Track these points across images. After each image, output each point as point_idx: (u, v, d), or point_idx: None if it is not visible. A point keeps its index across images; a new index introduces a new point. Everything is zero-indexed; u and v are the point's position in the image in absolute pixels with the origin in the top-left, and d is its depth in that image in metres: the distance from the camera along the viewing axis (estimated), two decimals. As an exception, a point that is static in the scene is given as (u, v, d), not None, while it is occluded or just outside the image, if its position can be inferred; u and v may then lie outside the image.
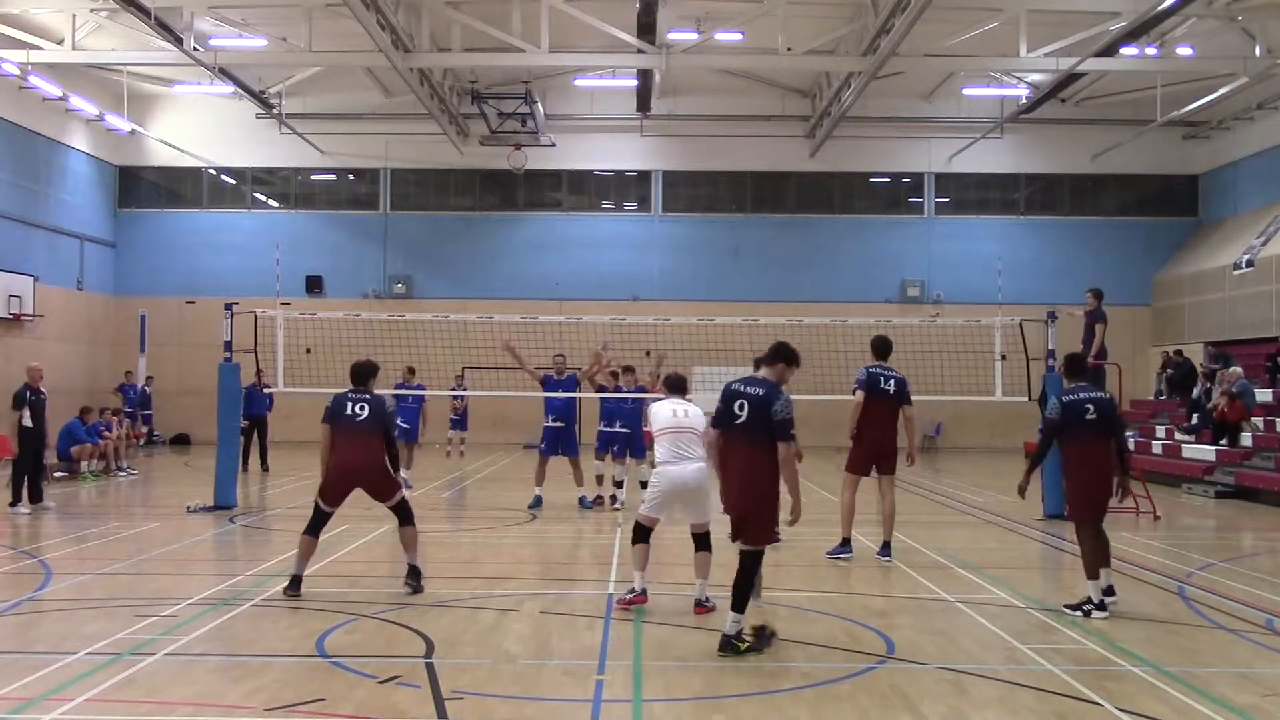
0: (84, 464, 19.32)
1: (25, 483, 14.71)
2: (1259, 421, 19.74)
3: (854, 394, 11.02)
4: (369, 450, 9.10)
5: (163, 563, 10.91)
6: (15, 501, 14.60)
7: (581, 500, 15.24)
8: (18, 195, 26.46)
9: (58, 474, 18.95)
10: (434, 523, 14.06)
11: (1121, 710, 6.04)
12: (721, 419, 7.53)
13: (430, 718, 5.89)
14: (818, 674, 6.83)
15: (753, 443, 7.38)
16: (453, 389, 23.13)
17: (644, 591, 8.68)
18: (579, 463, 15.45)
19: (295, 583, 8.97)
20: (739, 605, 7.25)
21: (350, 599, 8.93)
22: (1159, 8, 20.01)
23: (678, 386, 9.21)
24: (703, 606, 8.39)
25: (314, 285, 30.49)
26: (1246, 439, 19.51)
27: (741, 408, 7.43)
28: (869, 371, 11.06)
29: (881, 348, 11.28)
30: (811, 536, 11.59)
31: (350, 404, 9.22)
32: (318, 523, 9.18)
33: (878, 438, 10.95)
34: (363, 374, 9.57)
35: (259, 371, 17.17)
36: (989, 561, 11.06)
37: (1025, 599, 9.19)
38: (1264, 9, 22.29)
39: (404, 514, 9.39)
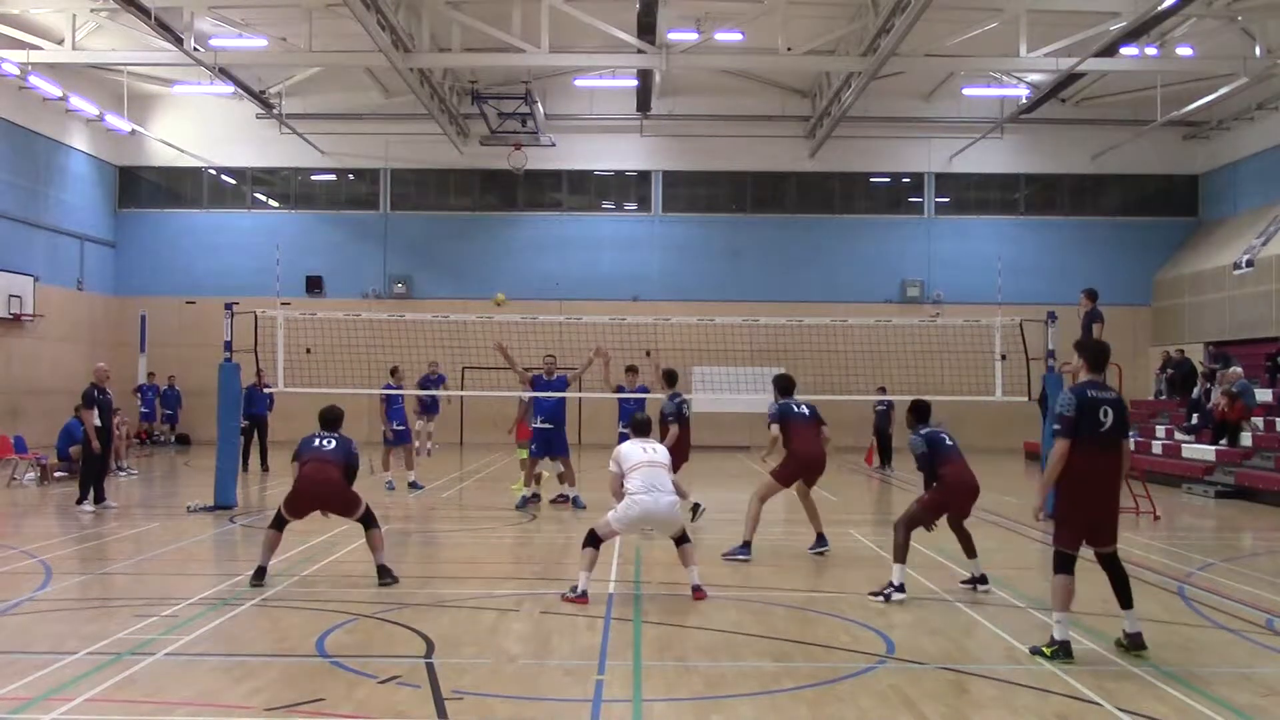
0: (82, 464, 19.27)
1: (105, 480, 14.93)
2: (1259, 421, 19.74)
3: (770, 428, 11.36)
4: (329, 471, 9.67)
5: (163, 563, 10.90)
6: (83, 499, 14.75)
7: (575, 501, 15.21)
8: (18, 195, 26.46)
9: (58, 474, 18.96)
10: (434, 523, 14.06)
11: (1121, 710, 6.04)
12: (1079, 427, 7.35)
13: (430, 718, 5.88)
14: (818, 674, 6.82)
15: (1116, 447, 7.50)
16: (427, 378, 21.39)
17: (585, 594, 8.83)
18: (569, 463, 15.44)
19: (260, 573, 9.46)
20: (1130, 602, 7.45)
21: (350, 599, 8.92)
22: (1159, 8, 20.02)
23: (643, 427, 9.69)
24: (700, 592, 9.06)
25: (314, 285, 30.50)
26: (1246, 439, 19.51)
27: (1105, 414, 7.43)
28: (780, 405, 11.52)
29: (786, 386, 11.77)
30: (814, 537, 11.58)
31: (318, 439, 9.93)
32: (281, 522, 9.79)
33: (815, 451, 11.33)
34: (331, 420, 10.16)
35: (259, 372, 17.15)
36: (989, 561, 11.03)
37: (1025, 599, 9.19)
38: (1264, 9, 22.29)
39: (368, 521, 9.81)
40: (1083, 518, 7.44)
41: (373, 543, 9.72)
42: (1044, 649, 7.18)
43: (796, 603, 8.98)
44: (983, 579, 9.49)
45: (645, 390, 15.33)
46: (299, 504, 9.79)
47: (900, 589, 9.03)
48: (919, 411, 9.91)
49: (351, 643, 7.48)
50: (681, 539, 9.26)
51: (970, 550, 9.57)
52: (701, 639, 7.80)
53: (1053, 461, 7.44)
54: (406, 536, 12.82)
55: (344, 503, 9.78)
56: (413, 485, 17.48)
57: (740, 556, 10.90)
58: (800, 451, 11.13)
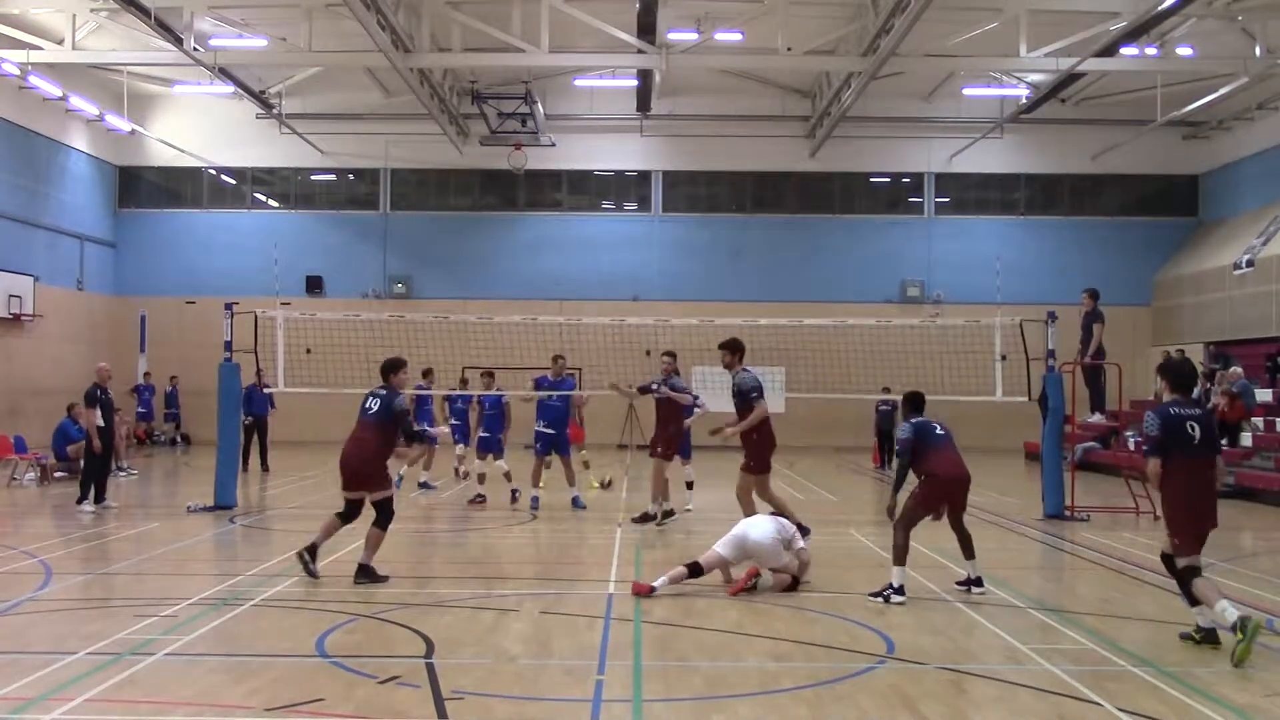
0: (81, 462, 19.26)
1: (107, 480, 15.00)
2: (1259, 421, 19.75)
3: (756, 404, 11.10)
4: (361, 441, 9.72)
5: (163, 563, 10.91)
6: (83, 499, 14.77)
7: (575, 500, 15.20)
8: (18, 195, 26.46)
9: (58, 474, 18.97)
10: (434, 523, 14.07)
11: (1121, 710, 6.04)
12: (1168, 444, 7.68)
13: (430, 718, 5.88)
14: (818, 674, 6.83)
15: (1208, 459, 7.76)
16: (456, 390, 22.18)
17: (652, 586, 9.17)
18: (570, 463, 15.48)
19: (311, 549, 9.62)
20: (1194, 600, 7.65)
21: (350, 599, 8.93)
22: (1159, 8, 20.01)
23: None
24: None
25: (314, 285, 30.50)
26: (1246, 439, 19.52)
27: (1193, 429, 7.73)
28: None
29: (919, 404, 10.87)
30: (814, 537, 11.57)
31: (367, 399, 9.94)
32: (346, 511, 9.88)
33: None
34: (384, 369, 10.11)
35: (259, 371, 17.15)
36: (989, 561, 11.03)
37: (1025, 599, 9.19)
38: (1264, 9, 22.27)
39: (381, 514, 9.74)
40: (1196, 529, 7.71)
41: (368, 538, 9.69)
42: (1239, 631, 7.11)
43: (796, 603, 8.98)
44: (978, 581, 9.43)
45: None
46: (342, 478, 9.85)
47: (899, 591, 8.99)
48: (914, 403, 9.95)
49: (351, 643, 7.48)
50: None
51: (969, 551, 9.53)
52: (701, 639, 7.81)
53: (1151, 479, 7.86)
54: (407, 536, 12.81)
55: (366, 476, 9.71)
56: (424, 485, 17.59)
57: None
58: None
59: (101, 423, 14.92)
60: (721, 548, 9.45)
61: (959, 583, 9.57)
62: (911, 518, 9.36)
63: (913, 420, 9.68)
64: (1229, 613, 7.21)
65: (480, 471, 16.00)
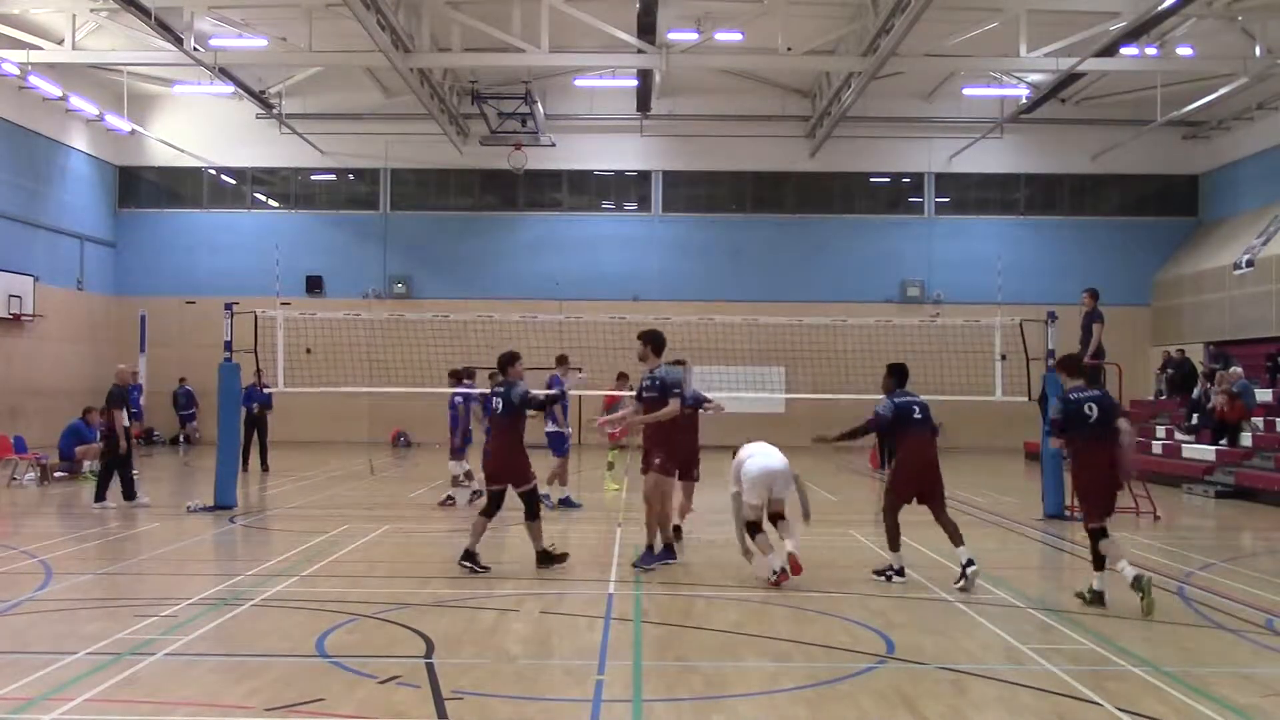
0: (85, 463, 19.32)
1: (114, 480, 15.11)
2: (1259, 421, 19.74)
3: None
4: (497, 438, 10.31)
5: (163, 563, 10.91)
6: (101, 498, 14.98)
7: (565, 501, 15.20)
8: (18, 195, 26.46)
9: (58, 474, 18.97)
10: (434, 523, 14.06)
11: (1121, 710, 6.04)
12: (1070, 426, 8.93)
13: (430, 718, 5.88)
14: (818, 674, 6.83)
15: (1108, 435, 8.94)
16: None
17: (784, 570, 9.48)
18: (565, 464, 15.49)
19: (467, 555, 10.06)
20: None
21: (350, 599, 8.92)
22: (1159, 8, 20.01)
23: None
24: (795, 560, 9.51)
25: (314, 285, 30.51)
26: (1246, 439, 19.51)
27: (1091, 409, 8.90)
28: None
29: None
30: (813, 537, 11.57)
31: (490, 399, 10.47)
32: (489, 505, 10.23)
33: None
34: (500, 363, 10.56)
35: (258, 371, 17.16)
36: (989, 561, 11.04)
37: (1025, 599, 9.19)
38: (1264, 9, 22.28)
39: (529, 506, 10.21)
40: (1101, 495, 8.90)
41: (531, 531, 10.23)
42: (1139, 588, 8.42)
43: (796, 603, 8.97)
44: (969, 562, 9.48)
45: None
46: (485, 473, 10.38)
47: (900, 572, 9.55)
48: (898, 374, 10.11)
49: (351, 643, 7.48)
50: (780, 515, 9.79)
51: (956, 539, 9.63)
52: (701, 639, 7.81)
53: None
54: (407, 536, 12.82)
55: (508, 472, 10.11)
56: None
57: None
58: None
59: (126, 423, 15.13)
60: (751, 495, 9.70)
61: (956, 581, 9.55)
62: (892, 505, 9.78)
63: (895, 400, 9.88)
64: (1127, 571, 8.51)
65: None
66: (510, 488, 10.16)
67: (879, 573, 9.75)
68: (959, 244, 30.62)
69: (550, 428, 15.19)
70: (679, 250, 30.99)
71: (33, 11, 23.68)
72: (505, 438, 10.22)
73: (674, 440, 10.50)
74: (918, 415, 9.79)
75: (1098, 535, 8.80)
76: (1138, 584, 8.40)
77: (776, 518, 9.86)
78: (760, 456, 9.82)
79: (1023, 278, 26.96)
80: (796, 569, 9.47)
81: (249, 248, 29.36)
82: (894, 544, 9.75)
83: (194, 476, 20.14)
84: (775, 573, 9.48)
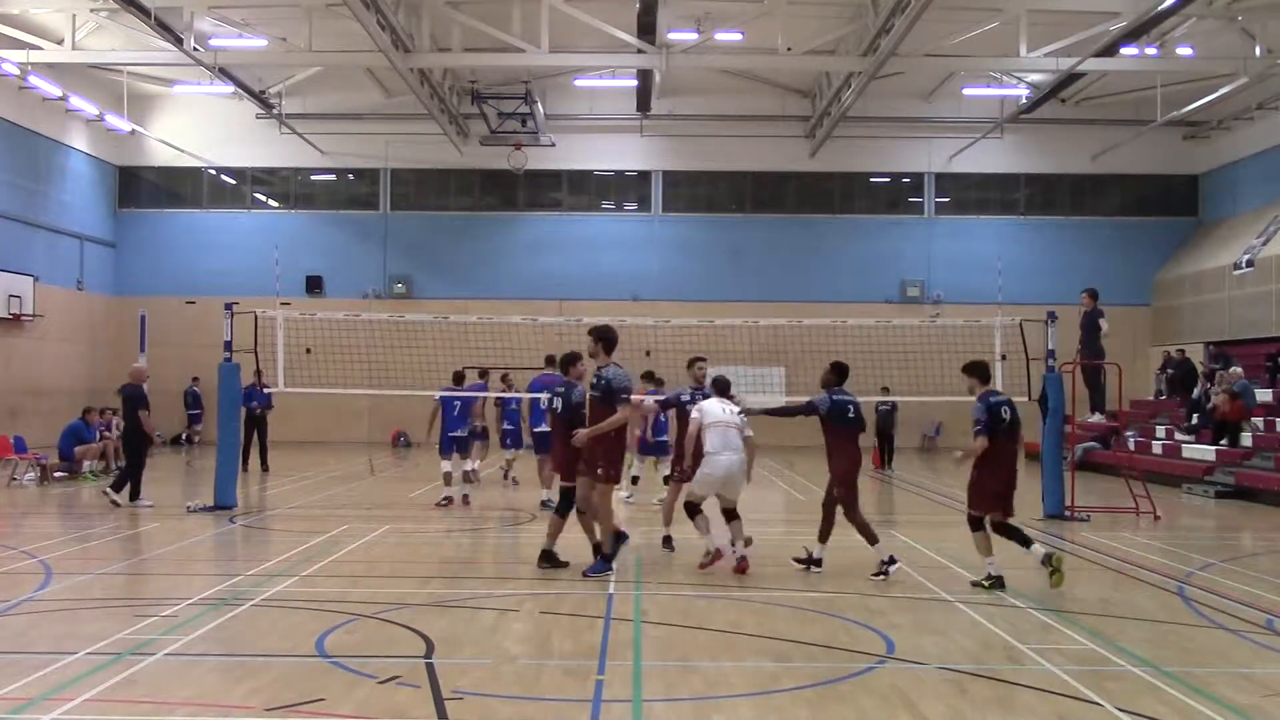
0: (85, 464, 19.32)
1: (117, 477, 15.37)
2: (1259, 421, 19.74)
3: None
4: (560, 438, 10.33)
5: (163, 563, 10.91)
6: (138, 495, 15.17)
7: (545, 503, 15.11)
8: (18, 195, 26.46)
9: (58, 474, 18.96)
10: (434, 523, 14.06)
11: (1121, 710, 6.04)
12: (994, 426, 9.46)
13: (430, 718, 5.88)
14: (818, 674, 6.82)
15: (1015, 436, 9.72)
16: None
17: (719, 550, 10.18)
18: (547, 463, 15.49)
19: (544, 556, 10.22)
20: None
21: (350, 599, 8.92)
22: (1159, 8, 20.02)
23: (724, 389, 10.75)
24: (744, 562, 10.09)
25: (314, 285, 30.51)
26: (1246, 439, 19.51)
27: (1006, 413, 9.56)
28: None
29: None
30: (812, 537, 11.57)
31: (551, 400, 10.61)
32: (561, 503, 10.37)
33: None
34: (562, 364, 10.74)
35: (258, 371, 17.15)
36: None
37: (1025, 599, 9.19)
38: (1264, 9, 22.28)
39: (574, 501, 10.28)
40: (1001, 493, 9.61)
41: (583, 524, 10.27)
42: (983, 582, 9.39)
43: (796, 603, 8.98)
44: (818, 562, 10.25)
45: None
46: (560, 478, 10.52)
47: (892, 561, 9.93)
48: (839, 372, 10.55)
49: (351, 643, 7.48)
50: (732, 515, 10.29)
51: (824, 534, 10.31)
52: (701, 639, 7.81)
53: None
54: (407, 536, 12.81)
55: (574, 469, 10.18)
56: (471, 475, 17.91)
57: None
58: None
59: (131, 423, 15.30)
60: (699, 489, 10.30)
61: (798, 559, 10.40)
62: (847, 500, 10.22)
63: (833, 396, 10.29)
64: (1037, 549, 9.40)
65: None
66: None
67: (877, 574, 9.90)
68: (959, 244, 30.62)
69: (541, 427, 15.12)
70: (679, 250, 30.99)
71: (33, 11, 23.68)
72: (567, 438, 10.23)
73: (615, 444, 10.02)
74: (851, 415, 10.28)
75: (978, 525, 9.51)
76: (1049, 560, 9.25)
77: (729, 515, 10.35)
78: (721, 454, 10.10)
79: (1023, 278, 26.94)
80: (743, 569, 10.04)
81: (249, 248, 29.36)
82: (871, 538, 10.12)
83: (195, 476, 20.14)
84: (708, 555, 10.19)
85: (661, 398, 13.43)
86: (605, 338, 10.11)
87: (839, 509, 10.24)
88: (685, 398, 11.56)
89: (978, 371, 9.85)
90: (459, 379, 16.64)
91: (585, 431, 9.90)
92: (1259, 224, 26.85)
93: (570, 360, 10.55)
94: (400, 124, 30.09)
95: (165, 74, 28.41)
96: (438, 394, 15.94)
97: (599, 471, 9.92)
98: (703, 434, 10.19)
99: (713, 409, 10.33)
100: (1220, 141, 29.79)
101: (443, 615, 8.34)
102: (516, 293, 29.59)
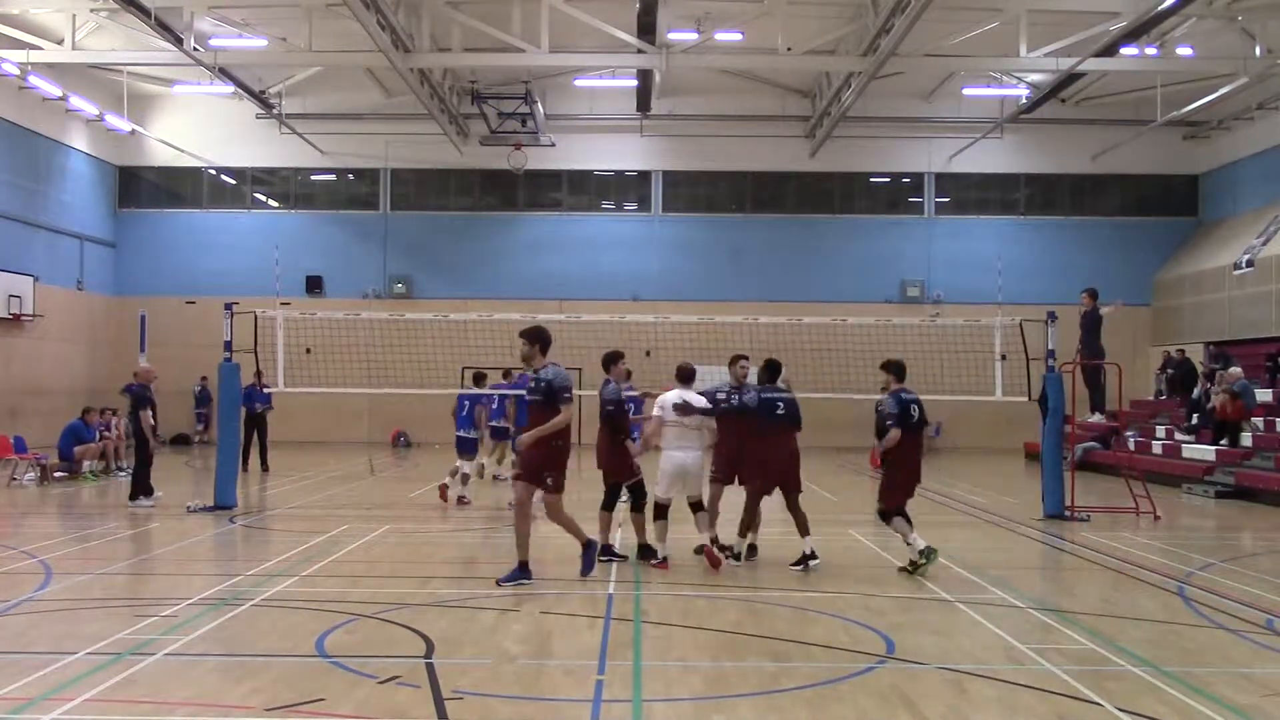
0: (85, 464, 19.32)
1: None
2: (1259, 421, 19.74)
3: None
4: (601, 435, 10.66)
5: (163, 563, 10.91)
6: (152, 492, 15.37)
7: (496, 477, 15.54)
8: (18, 195, 26.46)
9: (58, 474, 18.96)
10: (434, 523, 14.07)
11: (1121, 710, 6.04)
12: (903, 421, 10.16)
13: (430, 718, 5.88)
14: (818, 674, 6.82)
15: (921, 432, 10.41)
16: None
17: (665, 559, 10.38)
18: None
19: (603, 549, 10.43)
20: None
21: (350, 599, 8.92)
22: (1159, 8, 20.02)
23: (688, 377, 10.67)
24: (709, 549, 10.35)
25: (314, 285, 30.51)
26: (1246, 439, 19.51)
27: (914, 410, 10.25)
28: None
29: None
30: (814, 538, 11.56)
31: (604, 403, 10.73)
32: (606, 498, 10.68)
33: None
34: (603, 362, 10.84)
35: (258, 372, 17.15)
36: (989, 561, 11.06)
37: (1025, 599, 9.19)
38: (1264, 9, 22.28)
39: (634, 498, 10.61)
40: (909, 485, 10.37)
41: (635, 523, 10.60)
42: (916, 561, 10.01)
43: (796, 603, 8.98)
44: (812, 554, 10.37)
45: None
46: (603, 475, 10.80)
47: (813, 555, 10.34)
48: (771, 369, 10.90)
49: (351, 643, 7.48)
50: (698, 506, 10.47)
51: (804, 530, 10.48)
52: (701, 639, 7.81)
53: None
54: (407, 536, 12.81)
55: (615, 467, 10.50)
56: (496, 477, 18.29)
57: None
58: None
59: (153, 422, 15.46)
60: (663, 489, 10.45)
61: (795, 564, 10.38)
62: (755, 495, 10.62)
63: (762, 394, 10.57)
64: (919, 542, 10.06)
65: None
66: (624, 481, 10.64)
67: (796, 563, 10.34)
68: (959, 244, 30.62)
69: (495, 422, 15.65)
70: (679, 250, 30.99)
71: (33, 11, 23.68)
72: (606, 434, 10.57)
73: (561, 450, 9.49)
74: (780, 411, 10.58)
75: (891, 516, 10.20)
76: (926, 553, 10.00)
77: (695, 507, 10.55)
78: (678, 450, 10.33)
79: (1023, 278, 26.95)
80: (714, 561, 10.25)
81: (249, 248, 29.36)
82: (744, 531, 10.68)
83: (196, 476, 20.15)
84: (658, 560, 10.38)
85: (701, 402, 11.21)
86: (540, 338, 9.58)
87: (760, 500, 10.72)
88: (720, 396, 10.90)
89: (894, 369, 10.53)
90: (479, 379, 16.80)
91: (528, 435, 9.34)
92: (1259, 224, 26.85)
93: (612, 359, 10.78)
94: (400, 124, 30.08)
95: (165, 74, 28.40)
96: (458, 393, 16.29)
97: (547, 481, 9.35)
98: (662, 430, 10.41)
99: (671, 402, 10.38)
100: (1220, 141, 29.79)
101: (443, 615, 8.34)
102: (516, 293, 29.57)
